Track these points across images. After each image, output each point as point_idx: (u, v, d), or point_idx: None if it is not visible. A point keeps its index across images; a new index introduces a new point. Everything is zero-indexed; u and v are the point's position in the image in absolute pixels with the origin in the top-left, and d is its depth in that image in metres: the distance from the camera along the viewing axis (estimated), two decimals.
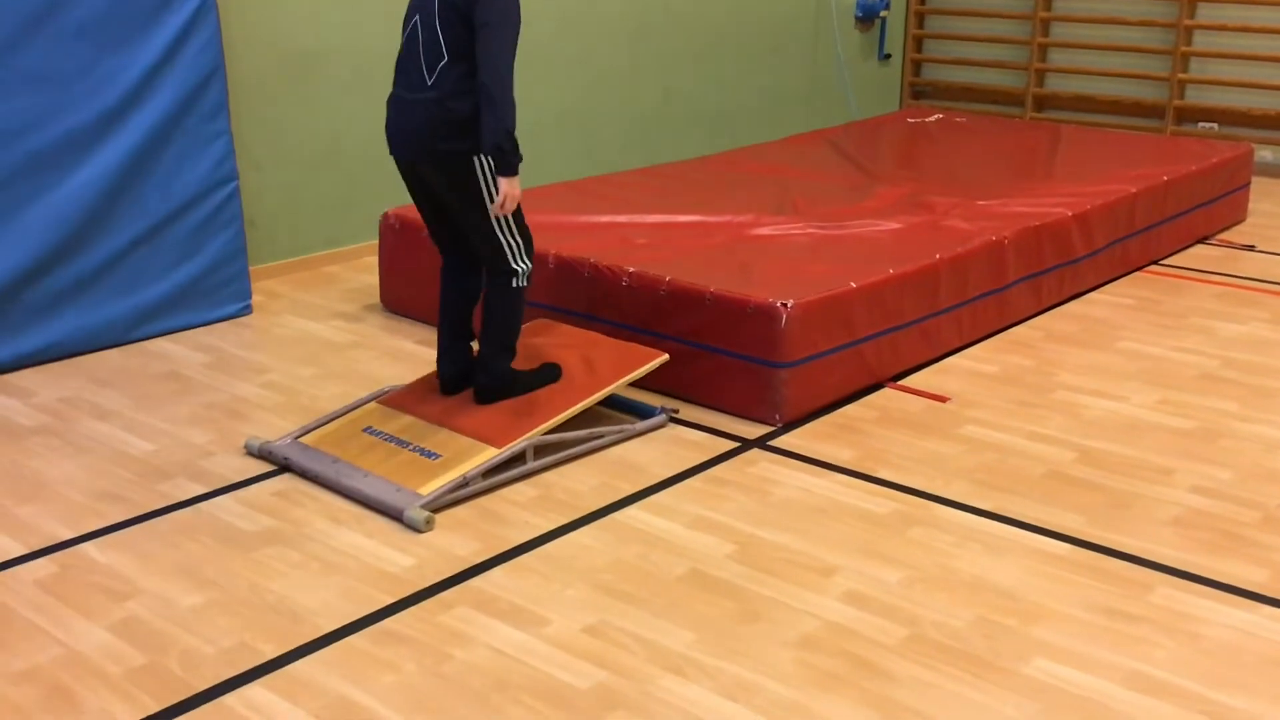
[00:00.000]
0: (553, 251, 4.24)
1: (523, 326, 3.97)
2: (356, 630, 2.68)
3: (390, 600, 2.80)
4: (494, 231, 3.48)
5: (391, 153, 3.57)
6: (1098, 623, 2.74)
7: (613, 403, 3.78)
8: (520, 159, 3.36)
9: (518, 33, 3.34)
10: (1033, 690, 2.50)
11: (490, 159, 3.35)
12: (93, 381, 4.08)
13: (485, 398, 3.59)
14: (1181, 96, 7.68)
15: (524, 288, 3.59)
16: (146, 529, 3.13)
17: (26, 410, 3.84)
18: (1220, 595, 2.85)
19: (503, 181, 3.35)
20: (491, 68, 3.26)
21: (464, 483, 3.26)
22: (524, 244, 3.55)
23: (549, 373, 3.70)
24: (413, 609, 2.77)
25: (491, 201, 3.41)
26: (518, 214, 3.51)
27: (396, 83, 3.53)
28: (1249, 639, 2.69)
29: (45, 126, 4.12)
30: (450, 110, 3.35)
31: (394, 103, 3.54)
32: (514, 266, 3.54)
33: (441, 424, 3.51)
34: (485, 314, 3.60)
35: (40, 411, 3.83)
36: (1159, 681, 2.53)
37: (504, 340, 3.59)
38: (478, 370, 3.61)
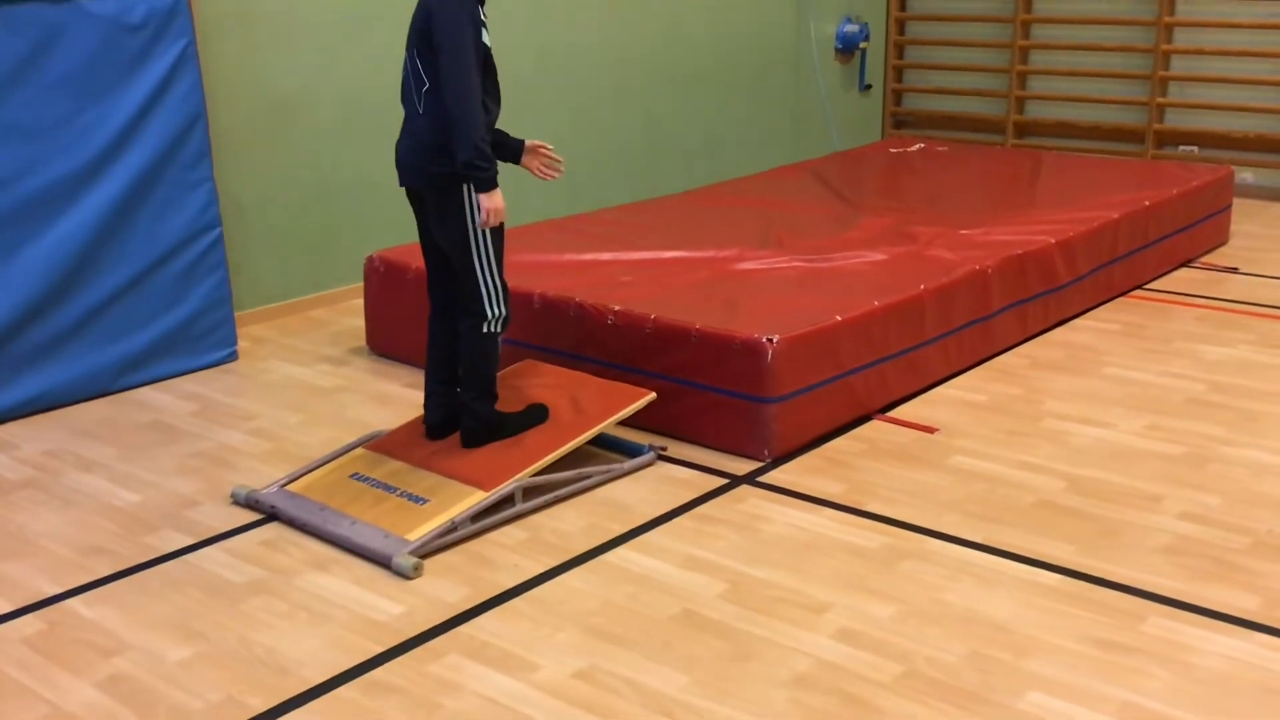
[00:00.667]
0: (538, 291, 4.24)
1: (509, 368, 3.99)
2: (346, 681, 2.66)
3: (379, 649, 2.78)
4: (474, 267, 3.50)
5: (400, 183, 3.64)
6: (1091, 654, 2.72)
7: (600, 442, 3.77)
8: (494, 170, 3.41)
9: (470, 49, 3.36)
10: None
11: (467, 178, 3.39)
12: (78, 433, 4.06)
13: (471, 441, 3.59)
14: (1161, 121, 7.73)
15: (495, 334, 3.59)
16: (133, 583, 3.10)
17: (11, 464, 3.82)
18: (1212, 623, 2.84)
19: (482, 197, 3.40)
20: (449, 90, 3.34)
21: (452, 527, 3.25)
22: (501, 291, 3.57)
23: (536, 414, 3.70)
24: (402, 658, 2.75)
25: (476, 230, 3.45)
26: (498, 259, 3.53)
27: (404, 113, 3.62)
28: (1242, 667, 2.68)
29: (27, 178, 4.12)
30: (436, 134, 3.42)
31: (401, 132, 3.62)
32: (487, 311, 3.55)
33: (429, 468, 3.50)
34: (460, 360, 3.61)
35: (25, 465, 3.81)
36: (1153, 713, 2.52)
37: (482, 384, 3.60)
38: (463, 415, 3.61)
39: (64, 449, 3.93)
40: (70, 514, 3.48)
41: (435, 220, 3.53)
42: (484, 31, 3.44)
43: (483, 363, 3.59)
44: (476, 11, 3.40)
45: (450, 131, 3.35)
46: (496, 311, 3.56)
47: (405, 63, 3.55)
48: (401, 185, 3.63)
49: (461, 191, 3.44)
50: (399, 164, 3.60)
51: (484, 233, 3.48)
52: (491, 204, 3.40)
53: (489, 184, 3.39)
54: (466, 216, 3.45)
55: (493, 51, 3.52)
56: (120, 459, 3.84)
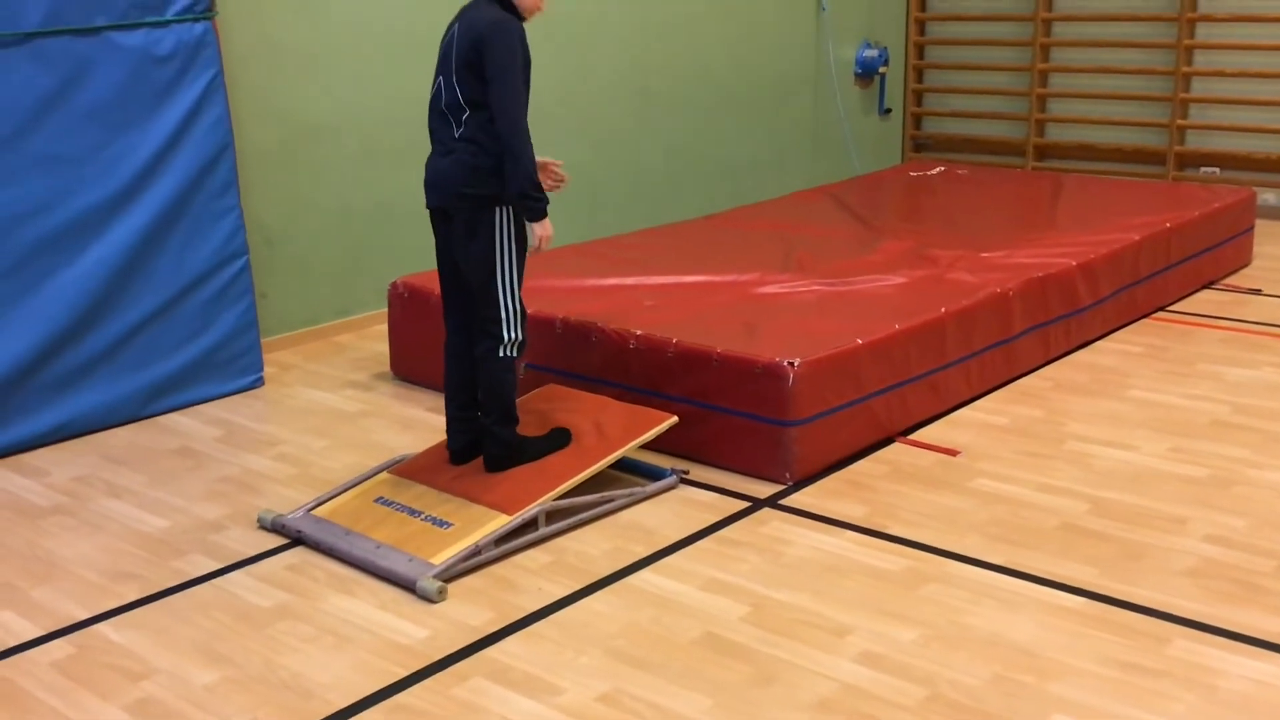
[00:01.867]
0: (560, 316, 4.28)
1: (533, 392, 4.02)
2: (370, 705, 2.68)
3: (404, 673, 2.79)
4: (496, 290, 3.54)
5: (427, 205, 3.69)
6: (1115, 677, 2.72)
7: (623, 465, 3.78)
8: (547, 201, 3.50)
9: (525, 76, 3.48)
10: None
11: (515, 208, 3.47)
12: (107, 459, 4.10)
13: (495, 466, 3.62)
14: (1182, 142, 7.73)
15: (512, 358, 3.62)
16: (161, 607, 3.14)
17: (41, 490, 3.86)
18: (1237, 646, 2.83)
19: (537, 226, 3.51)
20: (506, 119, 3.43)
21: (476, 551, 3.27)
22: (520, 315, 3.60)
23: (558, 438, 3.72)
24: (426, 681, 2.76)
25: (504, 253, 3.51)
26: (519, 283, 3.57)
27: (432, 142, 3.68)
28: (1267, 690, 2.66)
29: (57, 208, 4.18)
30: (476, 157, 3.49)
31: (430, 160, 3.68)
32: (504, 334, 3.58)
33: (453, 492, 3.52)
34: (479, 385, 3.65)
35: (55, 491, 3.86)
36: None
37: (501, 409, 3.62)
38: (485, 440, 3.64)
39: (93, 475, 3.97)
40: (99, 539, 3.52)
41: (462, 240, 3.56)
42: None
43: (501, 387, 3.62)
44: (524, 34, 3.49)
45: (505, 160, 3.42)
46: (514, 335, 3.60)
47: (438, 87, 3.59)
48: (430, 206, 3.67)
49: (494, 214, 3.49)
50: (429, 184, 3.64)
51: (510, 256, 3.53)
52: (545, 231, 3.52)
53: (542, 214, 3.49)
54: (496, 239, 3.51)
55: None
56: (148, 485, 3.89)
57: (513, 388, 3.65)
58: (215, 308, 4.62)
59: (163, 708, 2.69)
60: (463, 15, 3.59)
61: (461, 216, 3.54)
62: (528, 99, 3.51)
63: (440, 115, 3.59)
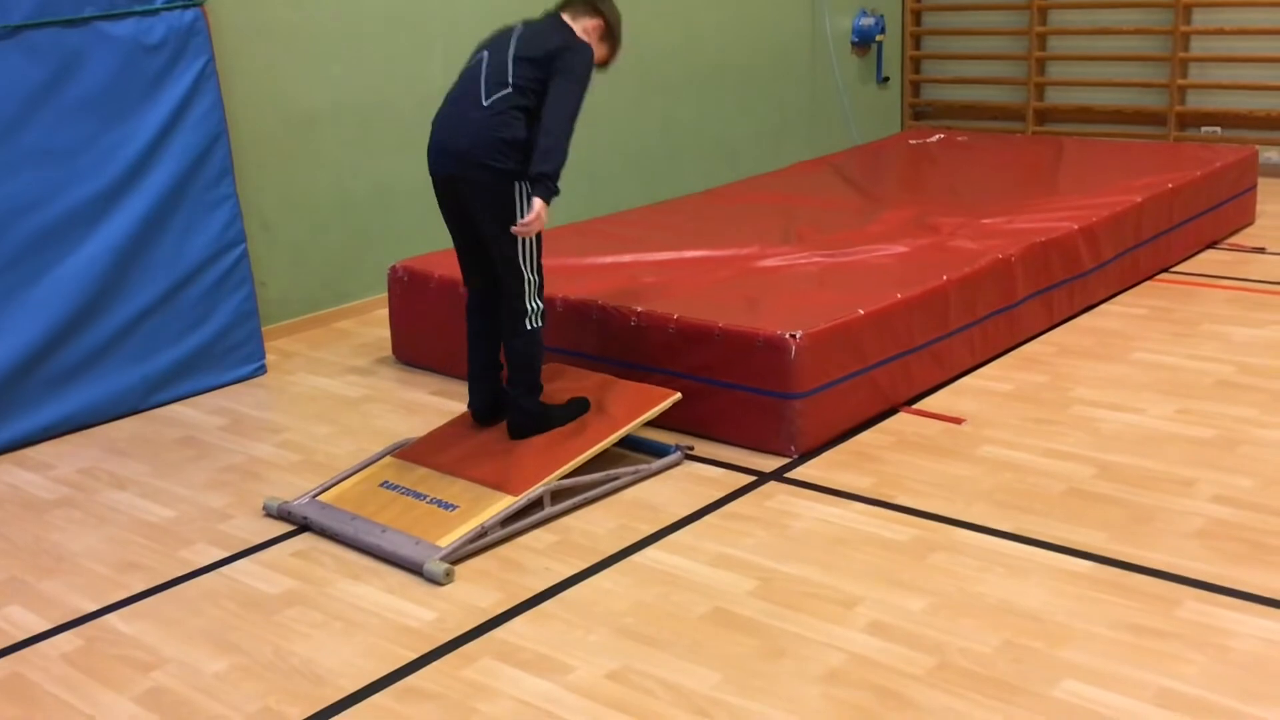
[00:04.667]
0: (560, 295, 4.26)
1: None
2: (380, 689, 2.68)
3: (413, 656, 2.79)
4: (518, 261, 3.56)
5: (432, 170, 3.68)
6: (1126, 641, 2.71)
7: (627, 443, 3.78)
8: (558, 192, 3.50)
9: (586, 93, 3.59)
10: (1063, 713, 2.47)
11: (531, 184, 3.46)
12: (111, 451, 4.10)
13: (519, 434, 3.66)
14: (1183, 102, 7.68)
15: (538, 328, 3.65)
16: (169, 597, 3.14)
17: (46, 484, 3.86)
18: (1248, 606, 2.82)
19: (536, 201, 3.45)
20: (560, 110, 3.48)
21: (482, 532, 3.26)
22: (538, 284, 3.64)
23: (578, 406, 3.75)
24: (436, 664, 2.76)
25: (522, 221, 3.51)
26: (538, 252, 3.61)
27: (447, 104, 3.66)
28: (1279, 649, 2.66)
29: (52, 201, 4.17)
30: (502, 130, 3.48)
31: (442, 119, 3.66)
32: (528, 305, 3.60)
33: (457, 474, 3.52)
34: (506, 357, 3.68)
35: (60, 484, 3.86)
36: (1190, 698, 2.50)
37: (528, 379, 3.67)
38: (509, 410, 3.68)
39: (97, 467, 3.97)
40: (105, 531, 3.52)
41: (480, 211, 3.57)
42: None
43: (530, 359, 3.66)
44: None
45: (542, 140, 3.44)
46: (536, 305, 3.62)
47: (479, 63, 3.61)
48: (439, 173, 3.65)
49: (513, 188, 3.49)
50: (439, 149, 3.63)
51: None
52: (541, 212, 3.47)
53: (550, 195, 3.48)
54: (516, 215, 3.51)
55: None
56: (153, 475, 3.88)
57: (539, 358, 3.69)
58: (214, 297, 4.61)
59: (174, 697, 2.69)
60: (530, 23, 3.69)
61: (480, 188, 3.53)
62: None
63: (473, 82, 3.58)
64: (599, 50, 3.71)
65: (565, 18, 3.69)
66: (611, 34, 3.75)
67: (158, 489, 3.78)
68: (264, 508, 3.57)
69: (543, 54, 3.53)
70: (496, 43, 3.65)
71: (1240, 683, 2.54)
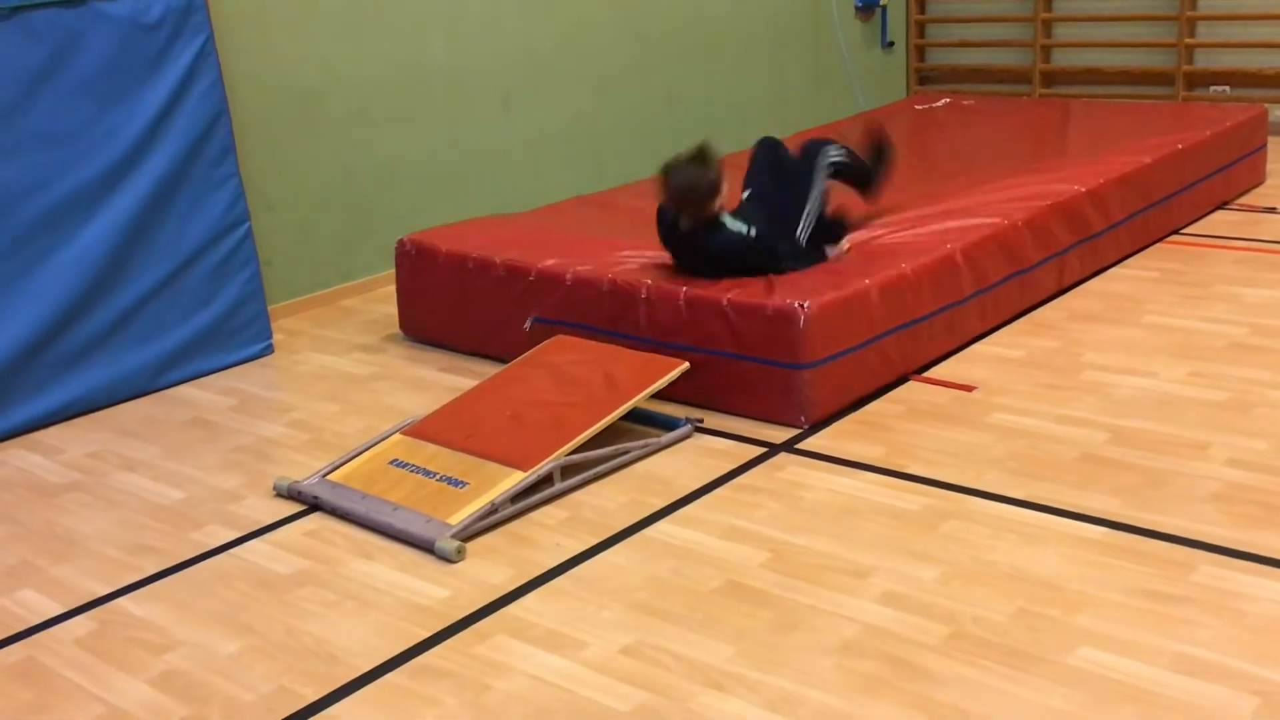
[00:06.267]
0: (570, 269, 4.24)
1: (542, 344, 4.01)
2: (394, 667, 2.68)
3: (426, 634, 2.79)
4: None
5: None
6: (1141, 606, 2.70)
7: (637, 416, 3.76)
8: None
9: None
10: (1079, 680, 2.46)
11: None
12: (120, 433, 4.10)
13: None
14: (1190, 62, 7.60)
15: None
16: (181, 579, 3.14)
17: (56, 467, 3.86)
18: (1264, 570, 2.81)
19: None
20: None
21: (493, 509, 3.26)
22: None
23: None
24: (449, 641, 2.76)
25: None
26: None
27: None
28: None
29: (54, 184, 4.14)
30: None
31: None
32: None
33: (467, 451, 3.51)
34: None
35: (69, 468, 3.86)
36: (1207, 662, 2.49)
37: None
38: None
39: (107, 450, 3.97)
40: (116, 514, 3.52)
41: None
42: None
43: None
44: None
45: None
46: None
47: None
48: None
49: None
50: None
51: None
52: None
53: None
54: None
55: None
56: (163, 457, 3.88)
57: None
58: (220, 277, 4.60)
59: (188, 679, 2.69)
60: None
61: None
62: None
63: None
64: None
65: None
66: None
67: (168, 471, 3.78)
68: (274, 488, 3.57)
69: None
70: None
71: (1256, 646, 2.53)
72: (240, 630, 2.87)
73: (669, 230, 4.12)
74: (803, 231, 4.19)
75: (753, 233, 4.00)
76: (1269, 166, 6.33)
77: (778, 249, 4.05)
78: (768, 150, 4.49)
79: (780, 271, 4.00)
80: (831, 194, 4.31)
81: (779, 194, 4.29)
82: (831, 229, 4.29)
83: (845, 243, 4.27)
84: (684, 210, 4.00)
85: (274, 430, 4.04)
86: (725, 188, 4.01)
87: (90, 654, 2.82)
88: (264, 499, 3.54)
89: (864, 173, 4.54)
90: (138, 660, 2.78)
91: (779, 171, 4.38)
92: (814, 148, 4.36)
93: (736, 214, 4.06)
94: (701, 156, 4.00)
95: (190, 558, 3.23)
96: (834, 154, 4.35)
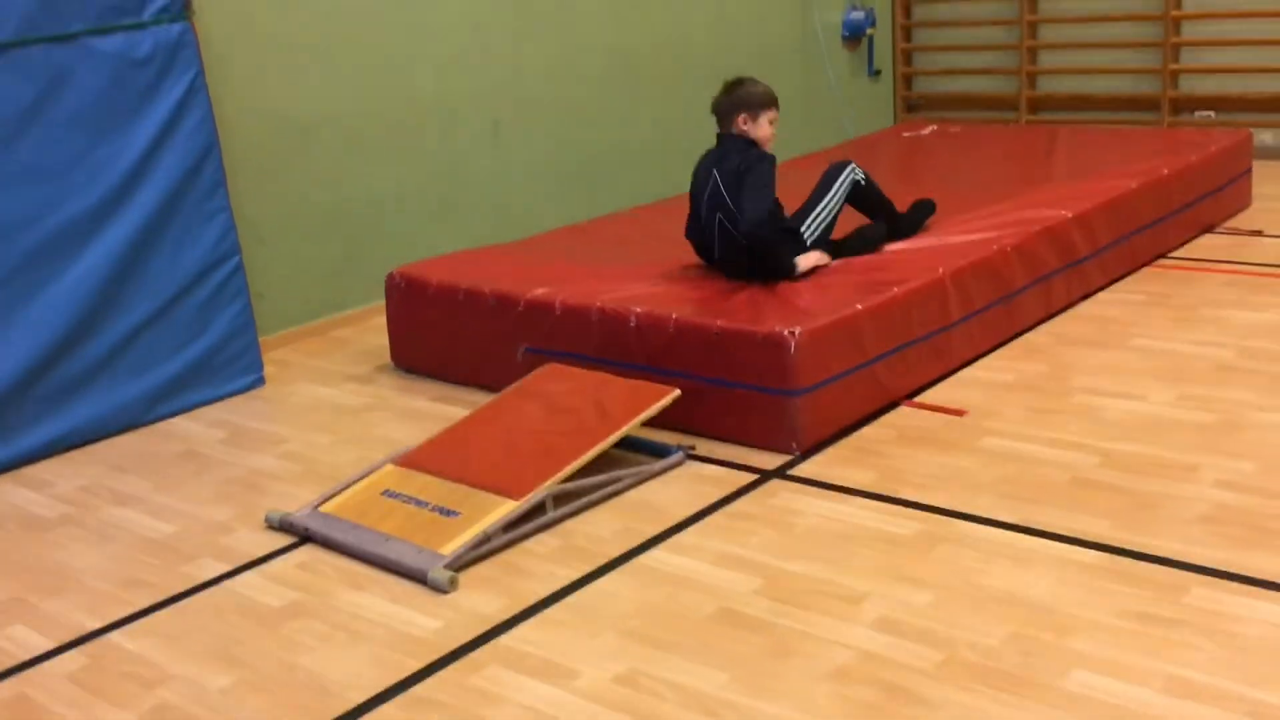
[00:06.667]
0: (560, 298, 4.25)
1: (533, 372, 4.02)
2: (387, 699, 2.67)
3: (419, 665, 2.78)
4: None
5: None
6: (1133, 629, 2.70)
7: (629, 444, 3.76)
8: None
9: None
10: (1073, 704, 2.46)
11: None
12: (111, 467, 4.09)
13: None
14: (1176, 87, 7.67)
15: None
16: (173, 613, 3.13)
17: (47, 501, 3.85)
18: (1255, 591, 2.81)
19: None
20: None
21: (485, 539, 3.25)
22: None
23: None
24: (442, 672, 2.75)
25: None
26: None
27: None
28: None
29: (45, 218, 4.15)
30: None
31: None
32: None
33: (459, 480, 3.50)
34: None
35: (60, 502, 3.85)
36: (1200, 685, 2.49)
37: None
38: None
39: (98, 484, 3.96)
40: (108, 548, 3.51)
41: None
42: None
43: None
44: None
45: None
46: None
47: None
48: None
49: None
50: None
51: None
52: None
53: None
54: None
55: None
56: (154, 490, 3.88)
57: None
58: (211, 309, 4.60)
59: (180, 713, 2.68)
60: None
61: None
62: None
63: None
64: (758, 130, 4.34)
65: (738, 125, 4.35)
66: (753, 108, 4.36)
67: (159, 504, 3.77)
68: (266, 520, 3.56)
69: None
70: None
71: (1249, 668, 2.53)
72: (232, 664, 2.86)
73: (702, 173, 4.40)
74: (810, 228, 4.33)
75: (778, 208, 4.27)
76: (1255, 190, 6.37)
77: (787, 224, 4.33)
78: None
79: (771, 253, 4.18)
80: (840, 216, 4.50)
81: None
82: (830, 244, 4.38)
83: (816, 259, 4.29)
84: (733, 90, 4.35)
85: (265, 462, 4.03)
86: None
87: (82, 689, 2.80)
88: (255, 531, 3.53)
89: (881, 204, 4.63)
90: (129, 695, 2.77)
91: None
92: (840, 163, 4.54)
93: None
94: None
95: (182, 591, 3.22)
96: (858, 173, 4.52)
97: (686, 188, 6.55)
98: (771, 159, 4.30)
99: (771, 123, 4.35)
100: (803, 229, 4.36)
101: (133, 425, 4.41)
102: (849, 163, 4.56)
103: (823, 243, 4.39)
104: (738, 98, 4.36)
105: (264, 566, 3.32)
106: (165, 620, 3.09)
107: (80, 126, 4.21)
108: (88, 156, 4.24)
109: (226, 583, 3.25)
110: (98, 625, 3.08)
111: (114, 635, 3.03)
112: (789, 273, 4.21)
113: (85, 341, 4.27)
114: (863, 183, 4.52)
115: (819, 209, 4.42)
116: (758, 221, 4.11)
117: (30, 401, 4.15)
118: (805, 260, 4.24)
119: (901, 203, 4.72)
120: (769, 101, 4.35)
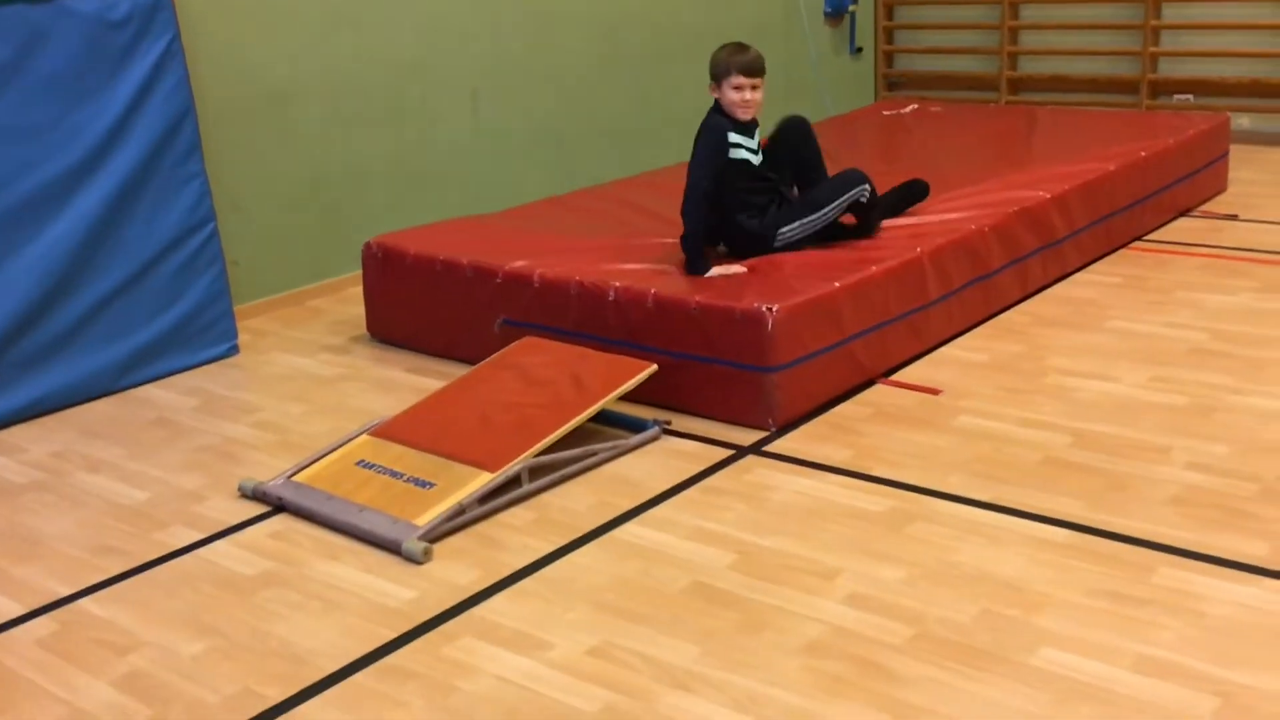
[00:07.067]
0: (538, 270, 4.24)
1: (510, 345, 4.01)
2: (361, 668, 2.67)
3: (392, 635, 2.78)
4: None
5: None
6: (1102, 608, 2.73)
7: (605, 418, 3.77)
8: (692, 255, 4.16)
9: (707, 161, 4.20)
10: (1042, 681, 2.49)
11: None
12: (83, 433, 4.06)
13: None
14: (1155, 70, 7.69)
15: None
16: (145, 580, 3.11)
17: (18, 467, 3.83)
18: (1223, 571, 2.84)
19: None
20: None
21: (460, 510, 3.25)
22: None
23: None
24: (416, 642, 2.76)
25: None
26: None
27: None
28: (1254, 614, 2.68)
29: (18, 181, 4.10)
30: None
31: None
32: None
33: (434, 451, 3.50)
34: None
35: (32, 467, 3.82)
36: (1167, 663, 2.52)
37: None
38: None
39: (70, 450, 3.94)
40: (79, 514, 3.49)
41: None
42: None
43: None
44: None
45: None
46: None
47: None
48: None
49: None
50: None
51: None
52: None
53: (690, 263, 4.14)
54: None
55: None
56: (127, 457, 3.85)
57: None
58: (185, 276, 4.57)
59: (151, 680, 2.67)
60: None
61: None
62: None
63: None
64: (722, 96, 4.22)
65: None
66: (714, 77, 4.25)
67: (131, 471, 3.75)
68: (239, 489, 3.55)
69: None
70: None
71: (1216, 647, 2.56)
72: (204, 631, 2.85)
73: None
74: (793, 234, 4.29)
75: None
76: (1231, 174, 6.41)
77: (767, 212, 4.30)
78: (799, 134, 4.50)
79: (686, 257, 4.16)
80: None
81: (790, 188, 4.41)
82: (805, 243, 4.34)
83: (724, 270, 4.12)
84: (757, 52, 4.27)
85: (239, 431, 4.01)
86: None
87: (52, 655, 2.79)
88: (228, 500, 3.52)
89: (873, 211, 4.46)
90: (100, 661, 2.76)
91: (798, 163, 4.44)
92: (854, 176, 4.36)
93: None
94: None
95: (154, 559, 3.21)
96: (865, 194, 4.35)
97: (667, 161, 6.58)
98: (714, 126, 4.21)
99: (737, 88, 4.19)
100: (785, 230, 4.27)
101: (106, 392, 4.38)
102: (864, 182, 4.35)
103: (796, 246, 4.30)
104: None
105: (237, 535, 3.31)
106: (137, 587, 3.08)
107: (55, 88, 4.16)
108: (63, 119, 4.19)
109: (199, 551, 3.24)
110: (69, 591, 3.06)
111: (85, 601, 3.02)
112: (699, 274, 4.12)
113: (59, 307, 4.23)
114: (865, 201, 4.38)
115: (811, 218, 4.30)
116: (684, 223, 4.16)
117: (3, 366, 4.11)
118: (715, 270, 4.10)
119: (883, 182, 4.69)
120: (725, 70, 4.21)
